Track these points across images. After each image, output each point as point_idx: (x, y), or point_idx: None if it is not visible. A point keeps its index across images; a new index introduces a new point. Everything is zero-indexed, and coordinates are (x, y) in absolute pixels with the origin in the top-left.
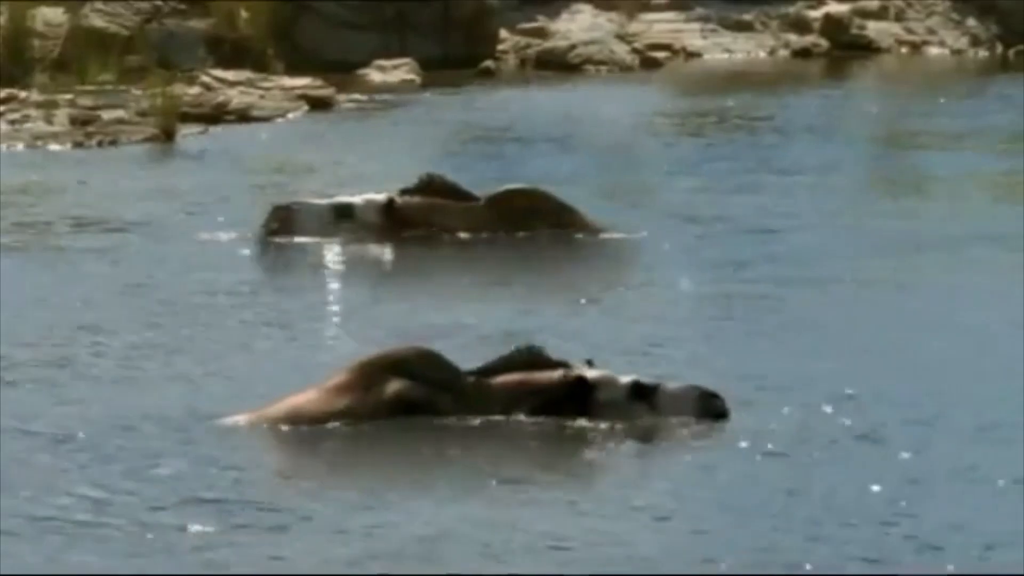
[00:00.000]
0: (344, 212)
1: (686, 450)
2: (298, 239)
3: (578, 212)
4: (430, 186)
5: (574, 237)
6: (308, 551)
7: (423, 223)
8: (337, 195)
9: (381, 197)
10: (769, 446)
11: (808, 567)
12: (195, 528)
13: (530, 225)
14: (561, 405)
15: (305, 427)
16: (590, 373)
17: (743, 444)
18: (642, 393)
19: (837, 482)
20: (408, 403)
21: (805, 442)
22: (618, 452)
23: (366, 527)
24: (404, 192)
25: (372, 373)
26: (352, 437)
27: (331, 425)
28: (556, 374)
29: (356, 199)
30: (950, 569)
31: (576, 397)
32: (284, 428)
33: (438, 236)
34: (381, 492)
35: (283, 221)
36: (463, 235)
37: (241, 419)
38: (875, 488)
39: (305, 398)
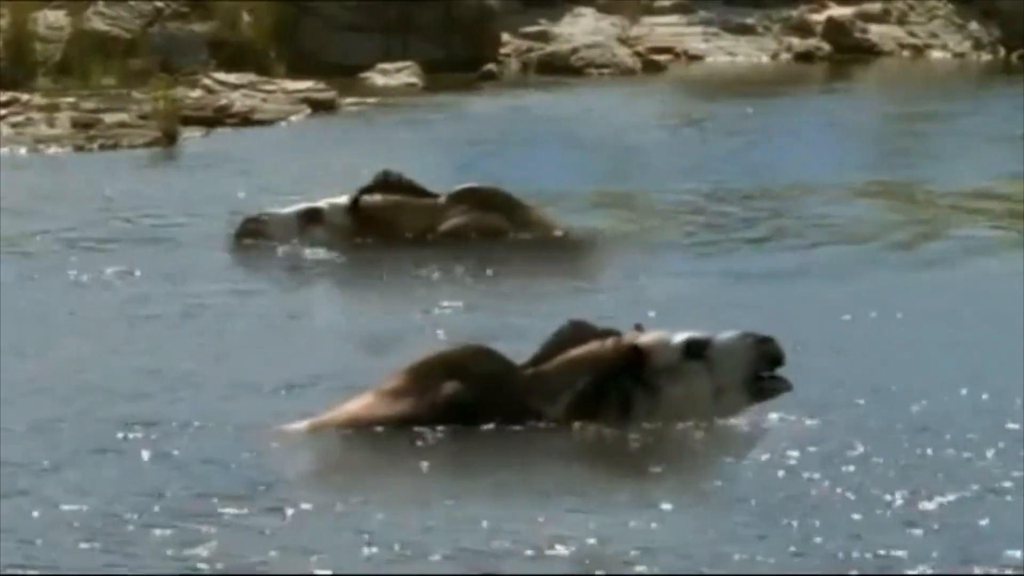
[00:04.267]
0: (312, 217)
1: (730, 449)
2: (271, 247)
3: (534, 210)
4: (387, 183)
5: (532, 236)
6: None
7: (388, 221)
8: (302, 202)
9: (344, 199)
10: (772, 448)
11: (819, 569)
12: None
13: (488, 220)
14: (618, 376)
15: (360, 432)
16: (642, 338)
17: (754, 444)
18: (696, 350)
19: (843, 485)
20: (465, 405)
21: (807, 442)
22: (641, 458)
23: (395, 532)
24: (362, 191)
25: (427, 375)
26: (397, 444)
27: (382, 431)
28: (608, 345)
29: (322, 204)
30: (967, 570)
31: (631, 366)
32: (340, 434)
33: (401, 235)
34: (416, 497)
35: (253, 232)
36: (423, 234)
37: (298, 426)
38: (899, 488)
39: (361, 403)
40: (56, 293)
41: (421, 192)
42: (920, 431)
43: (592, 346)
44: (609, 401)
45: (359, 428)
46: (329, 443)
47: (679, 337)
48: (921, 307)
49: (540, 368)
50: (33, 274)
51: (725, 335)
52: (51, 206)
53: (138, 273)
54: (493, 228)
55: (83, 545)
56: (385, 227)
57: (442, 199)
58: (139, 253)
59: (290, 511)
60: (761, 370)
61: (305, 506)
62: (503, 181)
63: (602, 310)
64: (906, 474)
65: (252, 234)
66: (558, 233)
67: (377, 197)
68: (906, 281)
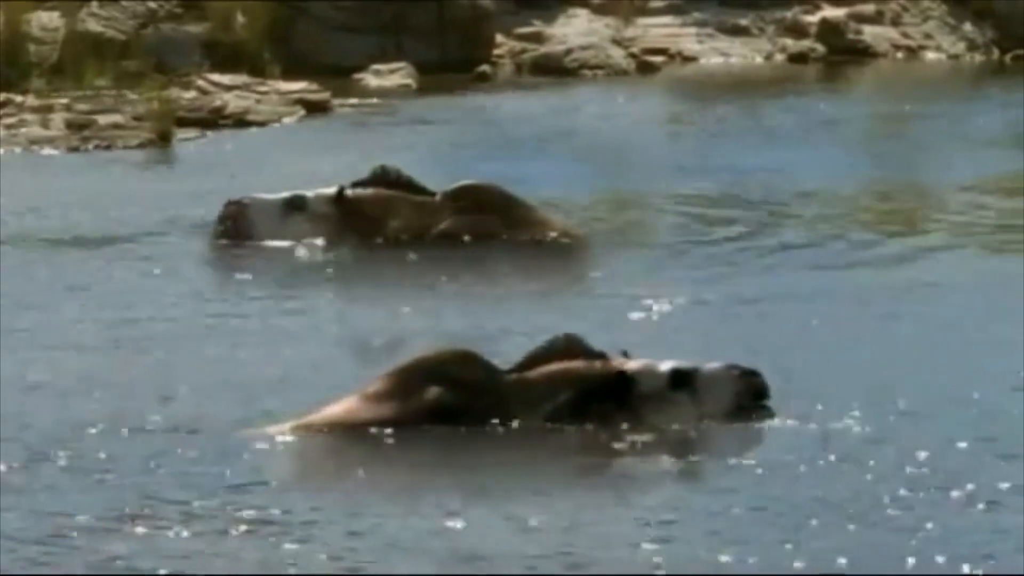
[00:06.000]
0: (296, 205)
1: (713, 453)
2: (253, 236)
3: (532, 208)
4: (383, 178)
5: (528, 235)
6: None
7: (375, 215)
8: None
9: (332, 189)
10: (764, 451)
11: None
12: (226, 537)
13: (483, 221)
14: (602, 397)
15: (343, 435)
16: (629, 365)
17: (745, 447)
18: (682, 380)
19: (843, 486)
20: (447, 409)
21: (800, 445)
22: (635, 459)
23: (380, 533)
24: (356, 184)
25: (411, 379)
26: (383, 445)
27: (367, 432)
28: (596, 365)
29: (308, 192)
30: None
31: (617, 390)
32: (322, 437)
33: (386, 231)
34: (401, 498)
35: (235, 216)
36: (413, 233)
37: (280, 428)
38: (895, 491)
39: (344, 407)
40: (46, 293)
41: (417, 189)
42: (914, 433)
43: (579, 364)
44: (588, 421)
45: (342, 430)
46: (312, 445)
47: (665, 366)
48: (914, 307)
49: (524, 375)
50: (24, 274)
51: (711, 366)
52: (45, 207)
53: (129, 273)
54: (486, 231)
55: (64, 547)
56: (371, 222)
57: (437, 197)
58: (131, 253)
59: (274, 512)
60: (745, 403)
61: (289, 507)
62: (497, 182)
63: (590, 316)
64: (900, 477)
65: (233, 217)
66: (553, 235)
67: (369, 190)
68: (899, 282)
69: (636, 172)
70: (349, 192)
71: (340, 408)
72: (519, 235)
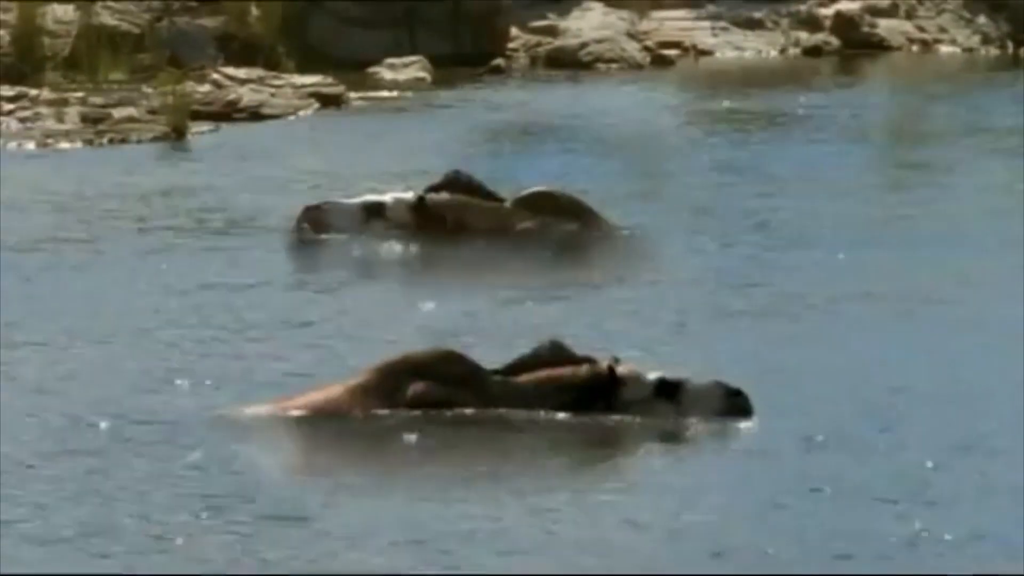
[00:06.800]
0: (374, 211)
1: (697, 449)
2: (330, 237)
3: (601, 215)
4: (456, 183)
5: (597, 237)
6: (305, 547)
7: (453, 221)
8: (365, 194)
9: (410, 195)
10: (784, 443)
11: (818, 568)
12: (199, 521)
13: (554, 226)
14: (588, 401)
15: (322, 422)
16: (617, 369)
17: (757, 441)
18: (667, 390)
19: (853, 481)
20: (430, 403)
21: (821, 439)
22: (623, 451)
23: (363, 523)
24: (430, 189)
25: (394, 375)
26: (364, 432)
27: (348, 419)
28: (582, 369)
29: (386, 197)
30: (963, 570)
31: (602, 393)
32: (301, 422)
33: (467, 235)
34: (383, 486)
35: (314, 221)
36: (489, 234)
37: (258, 411)
38: (891, 487)
39: (325, 395)
40: (61, 287)
41: (487, 194)
42: (893, 441)
43: (566, 369)
44: (571, 418)
45: (321, 416)
46: (289, 429)
47: (653, 374)
48: (925, 301)
49: (510, 379)
50: (37, 269)
51: (698, 381)
52: (60, 201)
53: (151, 268)
54: (563, 233)
55: (62, 543)
56: (449, 227)
57: (508, 203)
58: (146, 247)
59: (260, 510)
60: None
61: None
62: (514, 177)
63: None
64: (876, 483)
65: (312, 222)
66: (625, 236)
67: (444, 195)
68: (915, 272)
69: (652, 165)
70: (428, 198)
71: (321, 395)
72: (593, 236)
